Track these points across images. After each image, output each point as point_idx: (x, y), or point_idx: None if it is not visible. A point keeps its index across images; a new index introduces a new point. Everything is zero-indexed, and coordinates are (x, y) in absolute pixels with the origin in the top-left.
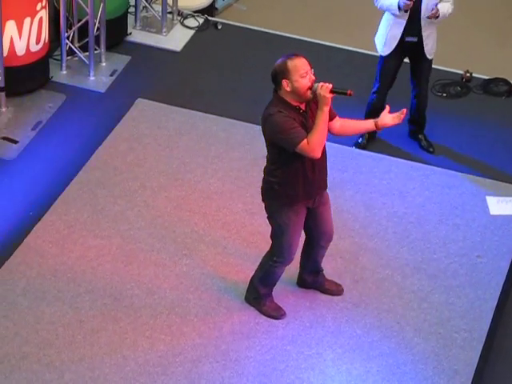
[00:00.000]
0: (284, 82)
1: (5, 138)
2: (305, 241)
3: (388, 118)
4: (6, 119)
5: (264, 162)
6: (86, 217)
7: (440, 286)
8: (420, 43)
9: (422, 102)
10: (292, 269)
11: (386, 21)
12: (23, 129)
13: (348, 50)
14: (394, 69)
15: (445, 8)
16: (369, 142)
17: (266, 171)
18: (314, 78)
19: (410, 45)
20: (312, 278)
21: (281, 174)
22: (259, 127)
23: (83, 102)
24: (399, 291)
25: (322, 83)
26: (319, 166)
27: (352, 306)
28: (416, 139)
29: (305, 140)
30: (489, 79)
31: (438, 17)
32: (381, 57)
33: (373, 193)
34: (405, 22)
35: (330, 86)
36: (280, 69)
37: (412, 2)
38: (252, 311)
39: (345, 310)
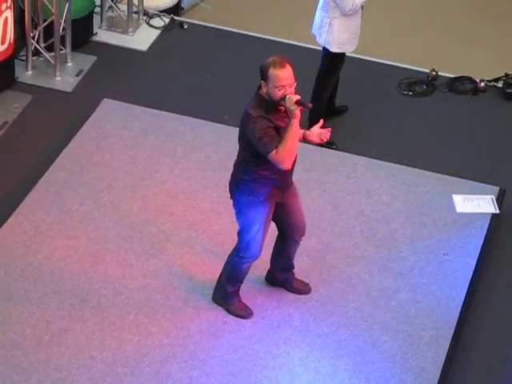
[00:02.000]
0: (262, 83)
1: None
2: (277, 237)
3: (315, 135)
4: None
5: (231, 162)
6: (53, 217)
7: (407, 284)
8: None
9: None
10: (258, 267)
11: (348, 19)
12: None
13: (315, 50)
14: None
15: None
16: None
17: (238, 167)
18: (290, 92)
19: None
20: (283, 276)
21: (254, 171)
22: (226, 127)
23: (49, 103)
24: (366, 289)
25: (288, 97)
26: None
27: (319, 305)
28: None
29: (274, 151)
30: (454, 77)
31: None
32: (337, 56)
33: (339, 191)
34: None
35: (296, 98)
36: (263, 70)
37: None
38: (219, 311)
39: (312, 309)
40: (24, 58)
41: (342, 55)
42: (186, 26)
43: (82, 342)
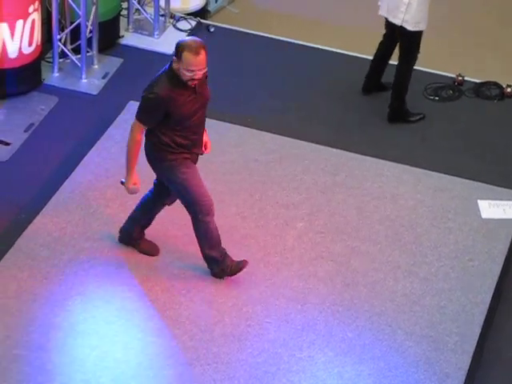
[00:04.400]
0: (174, 59)
1: None
2: (150, 197)
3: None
4: None
5: (256, 165)
6: (78, 219)
7: (432, 289)
8: None
9: None
10: (281, 273)
11: None
12: (15, 131)
13: (340, 53)
14: None
15: None
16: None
17: (149, 135)
18: (198, 77)
19: None
20: (139, 233)
21: (165, 136)
22: (251, 130)
23: (75, 105)
24: (391, 294)
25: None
26: (199, 125)
27: (343, 309)
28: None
29: (140, 125)
30: (481, 83)
31: None
32: (421, 33)
33: (365, 196)
34: None
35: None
36: (178, 49)
37: None
38: (243, 314)
39: (336, 313)
40: (51, 60)
41: (419, 34)
42: (212, 29)
43: (106, 344)
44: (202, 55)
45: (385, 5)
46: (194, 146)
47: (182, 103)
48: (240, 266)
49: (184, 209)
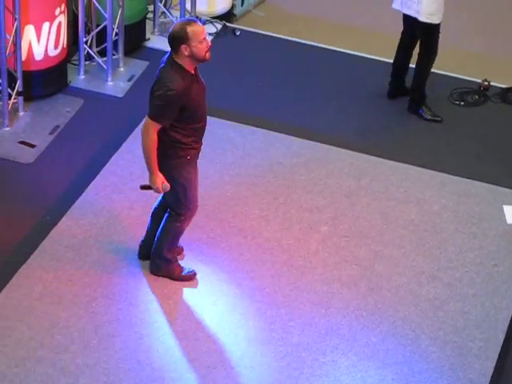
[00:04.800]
0: (182, 47)
1: (22, 142)
2: (158, 210)
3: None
4: (24, 123)
5: (281, 168)
6: (103, 222)
7: (456, 294)
8: None
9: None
10: (305, 277)
11: None
12: (41, 133)
13: (365, 57)
14: None
15: None
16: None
17: (159, 134)
18: (209, 42)
19: None
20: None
21: (177, 133)
22: (276, 134)
23: (101, 107)
24: (415, 299)
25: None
26: (205, 119)
27: (367, 314)
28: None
29: (155, 124)
30: (507, 88)
31: None
32: (436, 26)
33: (389, 200)
34: None
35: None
36: (179, 35)
37: None
38: (267, 318)
39: (360, 318)
40: (77, 62)
41: (435, 27)
42: (238, 33)
43: (130, 347)
44: (197, 22)
45: None
46: (200, 140)
47: (193, 95)
48: (187, 277)
49: (209, 212)
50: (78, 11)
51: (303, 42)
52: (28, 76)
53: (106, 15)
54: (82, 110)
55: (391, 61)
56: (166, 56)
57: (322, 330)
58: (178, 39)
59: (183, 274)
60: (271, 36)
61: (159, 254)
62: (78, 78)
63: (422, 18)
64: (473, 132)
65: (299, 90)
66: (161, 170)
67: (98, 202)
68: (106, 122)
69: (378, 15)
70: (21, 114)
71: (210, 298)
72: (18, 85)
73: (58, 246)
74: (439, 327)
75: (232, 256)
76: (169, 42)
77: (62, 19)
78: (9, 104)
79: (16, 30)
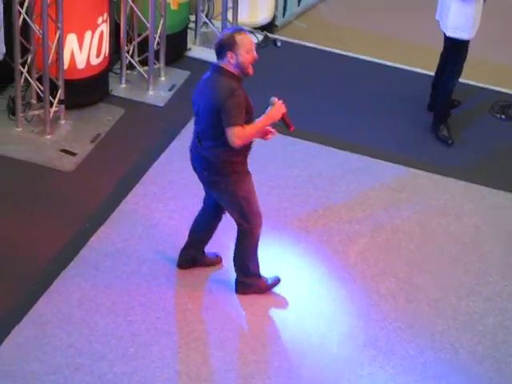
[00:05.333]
0: (229, 54)
1: (63, 151)
2: (204, 215)
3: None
4: (65, 131)
5: (320, 180)
6: (141, 231)
7: (495, 308)
8: None
9: None
10: (344, 289)
11: (468, 5)
12: (82, 141)
13: (407, 70)
14: None
15: None
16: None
17: (210, 154)
18: (256, 55)
19: None
20: (200, 254)
21: (229, 150)
22: (316, 145)
23: (141, 116)
24: (453, 313)
25: (280, 102)
26: None
27: (405, 327)
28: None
29: (242, 126)
30: None
31: None
32: (463, 42)
33: (429, 213)
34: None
35: (284, 110)
36: (227, 41)
37: None
38: (306, 329)
39: (398, 331)
40: (118, 71)
41: (461, 43)
42: (279, 44)
43: (167, 356)
44: (247, 32)
45: (439, 8)
46: (248, 152)
47: (248, 99)
48: (274, 283)
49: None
50: (120, 20)
51: (344, 53)
52: (70, 84)
53: (148, 25)
54: (123, 119)
55: (433, 73)
56: (211, 70)
57: (359, 343)
58: (225, 46)
59: (269, 283)
60: (312, 47)
61: (246, 273)
62: (120, 87)
63: (448, 33)
64: None
65: (340, 102)
66: (220, 189)
67: (137, 211)
68: (147, 131)
69: (422, 26)
70: (62, 122)
71: (249, 309)
72: (60, 93)
73: (96, 255)
74: (478, 341)
75: (270, 266)
76: (216, 49)
77: (104, 28)
78: (50, 112)
79: (59, 38)
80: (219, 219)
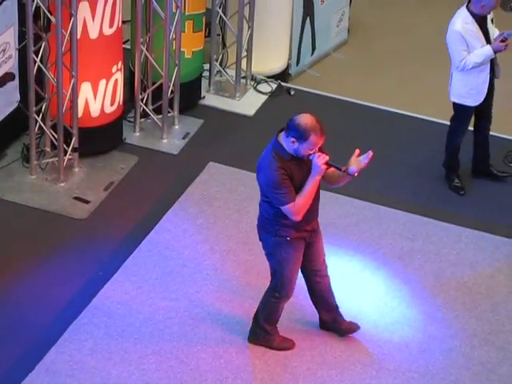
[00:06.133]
0: (292, 140)
1: (77, 198)
2: (305, 280)
3: (356, 162)
4: (79, 179)
5: (329, 226)
6: (155, 278)
7: (509, 358)
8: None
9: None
10: (356, 338)
11: (466, 75)
12: (95, 189)
13: (420, 119)
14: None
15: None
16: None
17: (263, 209)
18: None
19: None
20: (329, 317)
21: (277, 212)
22: (329, 194)
23: (155, 164)
24: (467, 362)
25: (319, 153)
26: (315, 199)
27: (418, 376)
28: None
29: (292, 203)
30: None
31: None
32: (468, 107)
33: (442, 262)
34: (489, 65)
35: (327, 158)
36: (302, 132)
37: (507, 43)
38: (318, 378)
39: (411, 380)
40: (132, 119)
41: (465, 108)
42: (292, 93)
43: None
44: (323, 133)
45: None
46: (305, 223)
47: (295, 175)
48: (286, 346)
49: (251, 271)
50: (134, 69)
51: (357, 101)
52: (84, 132)
53: (163, 73)
54: (137, 167)
55: (445, 121)
56: (272, 141)
57: None
58: (296, 131)
59: (282, 345)
60: (326, 96)
61: (258, 323)
62: (133, 135)
63: (452, 97)
64: None
65: (352, 150)
66: (263, 244)
67: (150, 259)
68: (161, 179)
69: (435, 74)
70: (76, 169)
71: (262, 358)
72: (74, 141)
73: (109, 302)
74: None
75: (284, 314)
76: (288, 123)
77: (119, 76)
78: (64, 160)
79: (73, 86)
80: (315, 282)
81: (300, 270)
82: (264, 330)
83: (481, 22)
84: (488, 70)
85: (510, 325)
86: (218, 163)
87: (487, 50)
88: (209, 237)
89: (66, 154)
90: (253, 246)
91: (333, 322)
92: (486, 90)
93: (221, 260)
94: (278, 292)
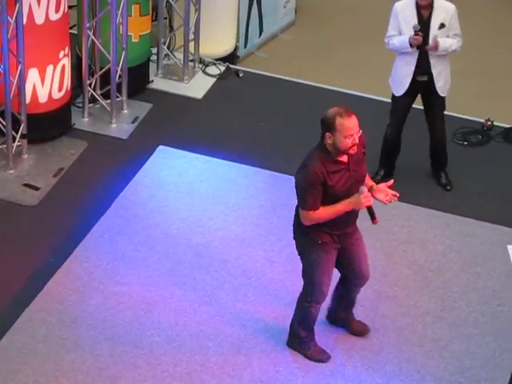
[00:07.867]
0: (327, 135)
1: (26, 185)
2: (339, 279)
3: (382, 194)
4: (28, 166)
5: (284, 210)
6: (107, 264)
7: (461, 334)
8: (431, 81)
9: (438, 141)
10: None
11: (397, 61)
12: (45, 175)
13: (366, 98)
14: (406, 107)
15: (447, 42)
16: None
17: (297, 209)
18: (357, 141)
19: (421, 83)
20: (345, 315)
21: None
22: (279, 175)
23: (105, 149)
24: (420, 340)
25: (367, 194)
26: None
27: (372, 355)
28: (436, 176)
29: (311, 211)
30: (510, 127)
31: (437, 49)
32: (394, 96)
33: (393, 241)
34: (415, 60)
35: (371, 203)
36: (327, 121)
37: (420, 37)
38: (272, 359)
39: (365, 359)
40: (81, 104)
41: (393, 97)
42: (241, 74)
43: None
44: (354, 117)
45: None
46: (338, 227)
47: (335, 181)
48: (319, 358)
49: (213, 253)
50: (81, 54)
51: (306, 82)
52: (32, 119)
53: (110, 58)
54: (86, 152)
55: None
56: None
57: (326, 372)
58: (325, 125)
59: (316, 356)
60: (274, 77)
61: (293, 327)
62: (82, 121)
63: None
64: (476, 172)
65: (302, 131)
66: (297, 245)
67: (102, 244)
68: (110, 164)
69: (384, 57)
70: (25, 156)
71: (215, 340)
72: (22, 128)
73: (61, 289)
74: (444, 368)
75: (236, 297)
76: (320, 123)
77: (66, 62)
78: (13, 147)
79: (20, 73)
80: (346, 286)
81: (340, 274)
82: (298, 336)
83: (422, 15)
84: (413, 67)
85: (461, 301)
86: (167, 147)
87: (406, 39)
88: (160, 221)
89: (14, 141)
90: (204, 229)
91: (344, 321)
92: (407, 86)
93: (172, 244)
94: (309, 296)
